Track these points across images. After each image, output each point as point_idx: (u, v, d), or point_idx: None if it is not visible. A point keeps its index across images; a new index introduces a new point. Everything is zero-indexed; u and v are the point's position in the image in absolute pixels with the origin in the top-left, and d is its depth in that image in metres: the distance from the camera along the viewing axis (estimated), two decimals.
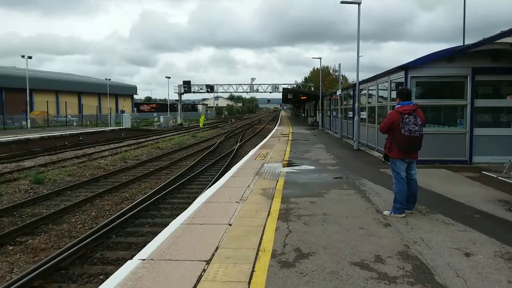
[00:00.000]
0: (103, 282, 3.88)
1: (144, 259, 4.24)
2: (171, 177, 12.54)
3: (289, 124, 41.46)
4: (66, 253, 5.94)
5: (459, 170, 9.95)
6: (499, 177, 8.07)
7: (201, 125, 47.71)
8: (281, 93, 55.26)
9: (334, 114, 26.66)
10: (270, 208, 6.35)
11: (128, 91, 79.75)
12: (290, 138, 21.92)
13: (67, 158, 17.86)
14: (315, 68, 69.77)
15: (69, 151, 21.55)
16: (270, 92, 55.26)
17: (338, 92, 22.99)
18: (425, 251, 4.43)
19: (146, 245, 4.79)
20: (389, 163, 6.00)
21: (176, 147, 22.72)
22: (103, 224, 7.53)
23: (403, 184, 5.80)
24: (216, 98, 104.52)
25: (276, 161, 12.06)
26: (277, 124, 43.33)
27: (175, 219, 5.89)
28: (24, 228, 7.53)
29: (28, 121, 37.60)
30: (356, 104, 16.08)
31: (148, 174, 13.58)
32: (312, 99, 45.62)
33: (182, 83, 54.07)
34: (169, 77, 56.93)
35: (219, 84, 55.22)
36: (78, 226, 7.94)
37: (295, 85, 61.46)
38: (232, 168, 10.96)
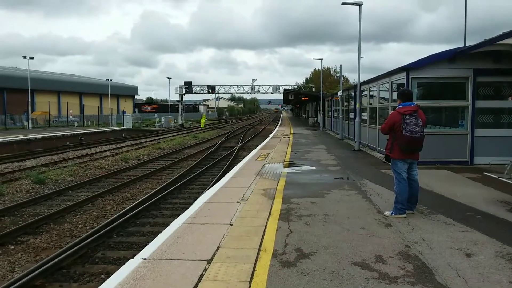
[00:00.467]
0: (105, 281, 3.89)
1: (145, 259, 4.25)
2: (172, 177, 12.56)
3: (290, 125, 41.42)
4: (68, 253, 5.96)
5: (460, 171, 9.94)
6: (500, 178, 8.09)
7: (202, 125, 47.73)
8: (282, 94, 55.22)
9: (335, 115, 26.62)
10: (271, 208, 6.36)
11: (129, 92, 79.79)
12: (291, 138, 21.91)
13: (69, 158, 17.90)
14: (316, 69, 69.95)
15: (70, 151, 21.60)
16: (271, 93, 55.36)
17: (339, 93, 22.97)
18: (426, 251, 4.43)
19: (147, 244, 4.80)
20: (390, 163, 6.01)
21: (177, 148, 22.75)
22: (104, 224, 7.55)
23: (404, 184, 5.80)
24: (217, 99, 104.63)
25: (277, 162, 12.06)
26: (278, 125, 43.30)
27: (176, 219, 5.89)
28: (26, 228, 7.56)
29: (30, 121, 37.66)
30: (357, 105, 16.08)
31: (149, 174, 13.61)
32: (313, 100, 45.58)
33: (183, 84, 54.14)
34: (170, 78, 56.94)
35: (220, 85, 55.42)
36: (80, 226, 7.96)
37: (296, 86, 61.51)
38: (233, 169, 10.97)
